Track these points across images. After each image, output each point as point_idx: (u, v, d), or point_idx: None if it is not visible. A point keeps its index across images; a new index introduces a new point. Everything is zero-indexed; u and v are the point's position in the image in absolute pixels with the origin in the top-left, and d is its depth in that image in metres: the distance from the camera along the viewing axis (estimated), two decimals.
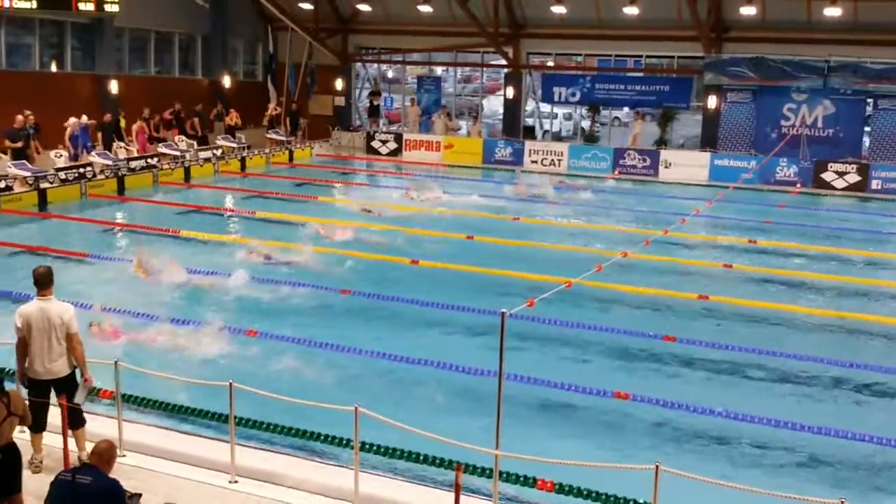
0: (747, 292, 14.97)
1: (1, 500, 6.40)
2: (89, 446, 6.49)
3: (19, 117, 21.76)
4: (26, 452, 6.95)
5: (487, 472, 7.43)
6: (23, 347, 7.67)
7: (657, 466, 6.39)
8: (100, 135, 24.77)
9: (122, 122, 26.08)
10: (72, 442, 7.60)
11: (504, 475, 7.36)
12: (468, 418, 9.31)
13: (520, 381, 9.93)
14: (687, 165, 28.38)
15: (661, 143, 30.25)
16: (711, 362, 11.50)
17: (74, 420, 7.70)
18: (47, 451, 7.73)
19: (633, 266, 15.70)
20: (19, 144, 21.61)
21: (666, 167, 28.69)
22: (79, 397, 7.71)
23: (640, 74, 31.46)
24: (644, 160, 29.00)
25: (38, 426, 7.64)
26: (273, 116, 31.27)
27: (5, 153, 21.93)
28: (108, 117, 25.04)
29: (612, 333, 12.10)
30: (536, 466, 7.42)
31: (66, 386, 7.74)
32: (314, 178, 25.79)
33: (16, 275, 14.17)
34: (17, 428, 6.76)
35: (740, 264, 16.66)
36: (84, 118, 23.77)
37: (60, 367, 7.74)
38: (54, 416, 7.73)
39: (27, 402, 7.19)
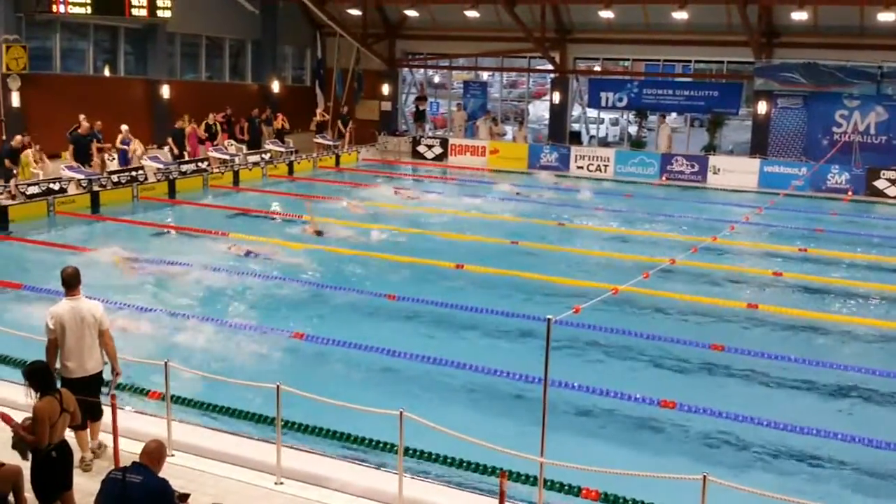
0: (797, 301, 14.73)
1: (53, 497, 6.51)
2: (128, 444, 6.60)
3: (85, 123, 22.20)
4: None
5: (532, 479, 7.41)
6: (54, 349, 7.76)
7: (704, 477, 6.31)
8: (170, 140, 25.10)
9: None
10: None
11: (548, 483, 7.32)
12: (513, 424, 9.29)
13: (565, 387, 9.87)
14: (736, 172, 27.98)
15: (710, 148, 29.89)
16: (760, 372, 11.32)
17: (95, 413, 7.89)
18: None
19: (680, 273, 15.53)
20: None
21: (715, 173, 28.33)
22: (108, 392, 7.92)
23: (689, 79, 31.10)
24: (692, 166, 28.67)
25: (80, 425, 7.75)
26: (320, 122, 31.47)
27: (58, 156, 22.44)
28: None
29: (659, 341, 11.97)
30: (581, 475, 7.36)
31: (95, 385, 7.91)
32: (359, 183, 25.93)
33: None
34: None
35: (790, 273, 16.35)
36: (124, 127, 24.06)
37: (95, 364, 7.91)
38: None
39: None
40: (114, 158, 23.43)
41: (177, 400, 8.79)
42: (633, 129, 32.36)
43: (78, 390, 7.69)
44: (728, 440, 9.29)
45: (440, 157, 31.86)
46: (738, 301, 14.19)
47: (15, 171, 20.12)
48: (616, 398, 9.92)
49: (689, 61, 31.30)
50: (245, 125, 28.74)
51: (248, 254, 16.37)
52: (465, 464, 7.92)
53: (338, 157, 30.39)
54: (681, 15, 27.54)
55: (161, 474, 5.78)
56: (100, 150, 23.05)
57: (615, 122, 35.52)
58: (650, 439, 9.35)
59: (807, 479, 8.57)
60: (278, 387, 7.72)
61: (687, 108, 30.98)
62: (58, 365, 7.84)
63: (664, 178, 28.59)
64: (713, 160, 28.67)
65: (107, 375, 8.13)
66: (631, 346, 11.99)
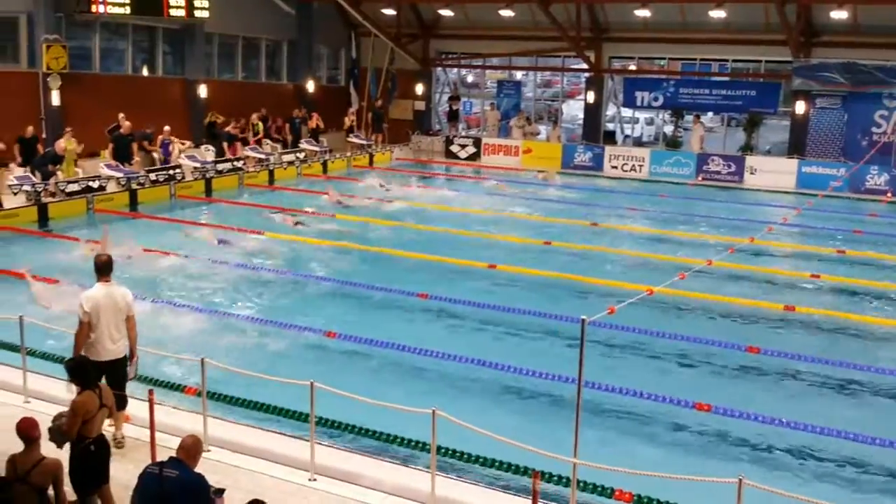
0: (835, 304, 14.55)
1: (91, 491, 6.60)
2: (165, 439, 6.67)
3: (127, 123, 22.48)
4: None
5: (564, 480, 7.38)
6: (86, 332, 8.00)
7: (740, 480, 6.25)
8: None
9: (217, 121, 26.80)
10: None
11: (581, 484, 7.29)
12: (545, 424, 9.27)
13: (599, 388, 9.83)
14: (773, 172, 27.66)
15: (747, 148, 29.58)
16: (796, 375, 11.20)
17: (120, 402, 8.05)
18: (131, 442, 7.98)
19: (717, 274, 15.40)
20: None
21: (751, 173, 28.02)
22: (129, 374, 8.25)
23: (726, 79, 30.81)
24: (729, 166, 28.38)
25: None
26: (352, 123, 31.53)
27: (97, 154, 22.76)
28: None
29: (695, 343, 11.87)
30: (615, 476, 7.32)
31: (119, 369, 8.16)
32: (391, 181, 26.01)
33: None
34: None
35: (828, 275, 16.15)
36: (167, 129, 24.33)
37: (122, 348, 8.23)
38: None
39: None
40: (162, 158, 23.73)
41: (212, 396, 8.87)
42: (668, 129, 32.12)
43: (105, 372, 7.96)
44: (764, 443, 9.20)
45: (473, 157, 31.84)
46: (775, 303, 14.03)
47: (58, 173, 20.41)
48: (650, 400, 9.85)
49: (726, 60, 31.01)
50: (286, 126, 29.00)
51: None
52: (497, 463, 7.91)
53: (371, 156, 30.51)
54: (718, 13, 27.30)
55: (197, 469, 5.84)
56: (148, 151, 23.35)
57: (650, 122, 35.28)
58: (685, 442, 9.28)
59: (844, 484, 8.47)
60: (312, 384, 7.77)
61: (724, 107, 30.69)
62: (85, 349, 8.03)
63: (700, 179, 28.34)
64: (750, 160, 28.37)
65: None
66: (666, 347, 11.90)
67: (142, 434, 7.97)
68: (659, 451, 8.99)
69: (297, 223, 19.18)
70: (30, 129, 21.41)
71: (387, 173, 27.96)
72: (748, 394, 10.58)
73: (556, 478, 7.56)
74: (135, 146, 22.68)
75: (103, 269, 8.20)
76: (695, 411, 9.63)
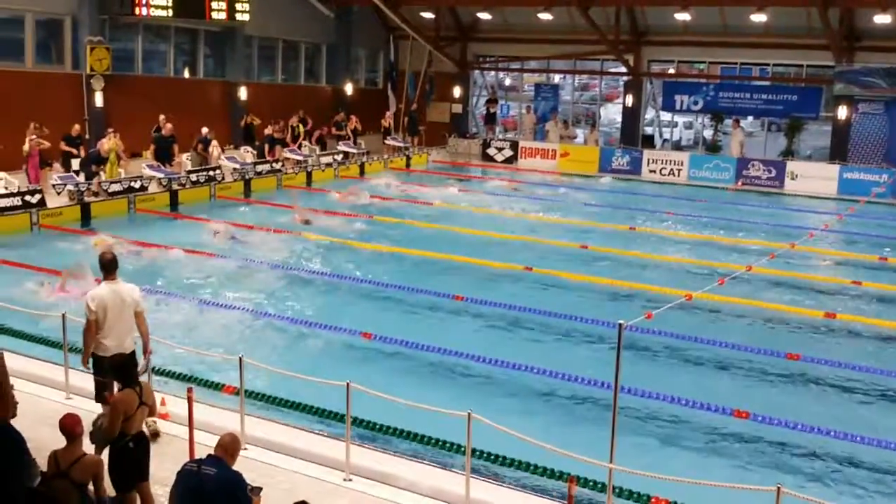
0: (876, 311, 14.29)
1: (130, 487, 6.68)
2: (203, 437, 6.73)
3: (169, 125, 22.78)
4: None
5: (600, 485, 7.34)
6: (94, 330, 8.08)
7: (778, 488, 6.18)
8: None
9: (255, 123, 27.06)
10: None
11: (617, 490, 7.25)
12: (582, 429, 9.23)
13: (635, 393, 9.76)
14: (815, 178, 27.30)
15: (788, 153, 29.22)
16: (837, 383, 11.03)
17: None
18: (170, 441, 8.08)
19: (757, 280, 15.23)
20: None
21: (792, 179, 27.68)
22: (140, 369, 8.28)
23: (767, 83, 30.49)
24: (769, 171, 28.07)
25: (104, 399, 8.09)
26: (389, 126, 31.61)
27: (139, 155, 23.08)
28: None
29: (734, 349, 11.74)
30: (651, 482, 7.26)
31: (131, 364, 8.23)
32: (429, 185, 26.10)
33: (150, 269, 14.89)
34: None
35: (869, 282, 15.89)
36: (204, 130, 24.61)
37: (130, 344, 8.27)
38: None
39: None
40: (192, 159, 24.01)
41: (250, 395, 8.95)
42: (708, 133, 31.82)
43: (114, 368, 8.09)
44: (803, 452, 9.07)
45: (510, 160, 31.81)
46: (816, 310, 13.85)
47: (101, 173, 20.73)
48: (688, 406, 9.76)
49: (767, 64, 30.71)
50: (331, 128, 29.45)
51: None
52: (533, 467, 7.88)
53: (408, 158, 30.60)
54: (759, 17, 27.02)
55: (234, 467, 5.88)
56: (204, 156, 23.65)
57: (689, 126, 35.00)
58: (722, 449, 9.18)
59: (884, 495, 8.32)
60: (348, 385, 7.81)
61: (764, 112, 30.38)
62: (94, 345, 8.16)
63: (740, 184, 28.05)
64: (791, 165, 28.04)
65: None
66: (704, 353, 11.79)
67: (180, 431, 8.05)
68: (696, 458, 8.90)
69: (305, 221, 19.48)
70: (76, 128, 21.77)
71: (423, 176, 28.05)
72: (787, 401, 10.44)
73: (591, 483, 7.52)
74: (176, 147, 22.95)
75: (109, 267, 8.22)
76: (733, 418, 9.53)
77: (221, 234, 17.70)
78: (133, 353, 8.33)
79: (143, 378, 7.77)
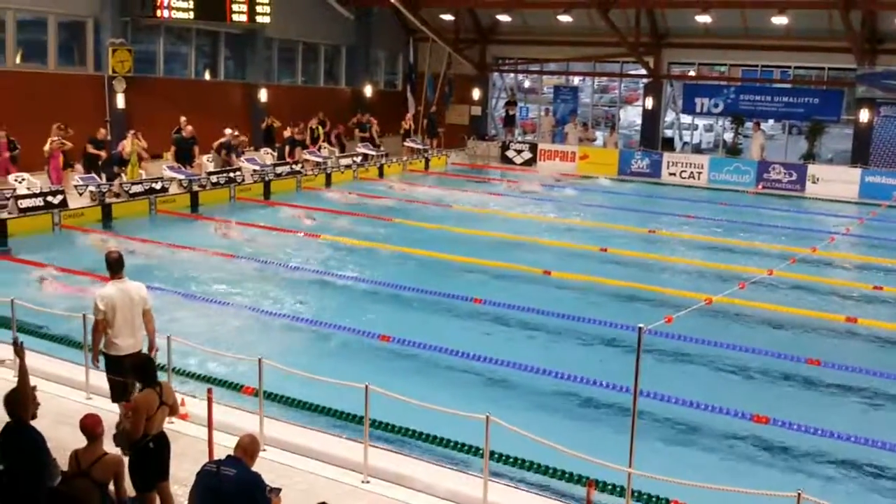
0: None
1: (150, 487, 6.72)
2: (222, 437, 6.76)
3: (189, 128, 22.89)
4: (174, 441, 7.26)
5: (619, 489, 7.31)
6: (102, 328, 8.18)
7: (799, 494, 6.13)
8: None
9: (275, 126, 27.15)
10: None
11: (636, 494, 7.22)
12: (601, 433, 9.19)
13: (654, 398, 9.72)
14: (836, 181, 27.07)
15: (809, 157, 29.01)
16: (857, 388, 10.94)
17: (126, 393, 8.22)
18: (190, 441, 8.13)
19: (778, 284, 15.13)
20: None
21: (813, 182, 27.47)
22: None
23: (788, 86, 30.30)
24: (790, 174, 27.87)
25: (120, 397, 8.22)
26: (408, 128, 31.63)
27: (160, 156, 23.21)
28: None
29: (754, 354, 11.67)
30: (670, 487, 7.23)
31: (147, 364, 8.09)
32: (447, 187, 26.13)
33: (171, 270, 14.99)
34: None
35: (891, 287, 15.75)
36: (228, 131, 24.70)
37: (140, 341, 8.36)
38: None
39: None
40: (212, 161, 24.09)
41: (269, 396, 8.98)
42: (728, 136, 31.66)
43: (124, 367, 8.11)
44: (824, 457, 9.01)
45: (529, 163, 31.77)
46: (837, 314, 13.74)
47: (122, 174, 20.87)
48: (707, 411, 9.71)
49: (789, 67, 30.51)
50: (355, 130, 29.65)
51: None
52: (551, 471, 7.86)
53: (427, 160, 30.62)
54: (780, 20, 26.86)
55: (253, 468, 5.90)
56: (229, 161, 23.80)
57: (709, 129, 34.83)
58: (742, 454, 9.12)
59: None
60: (367, 387, 7.82)
61: (785, 114, 30.19)
62: (103, 344, 8.27)
63: (760, 187, 27.88)
64: (812, 169, 27.83)
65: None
66: (724, 357, 11.72)
67: (200, 432, 8.09)
68: (716, 463, 8.85)
69: (309, 218, 19.93)
70: (102, 132, 21.88)
71: (442, 178, 28.07)
72: (807, 406, 10.37)
73: (610, 487, 7.49)
74: (196, 149, 23.07)
75: (115, 266, 8.31)
76: (752, 423, 9.48)
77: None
78: (140, 352, 8.33)
79: (163, 378, 7.80)
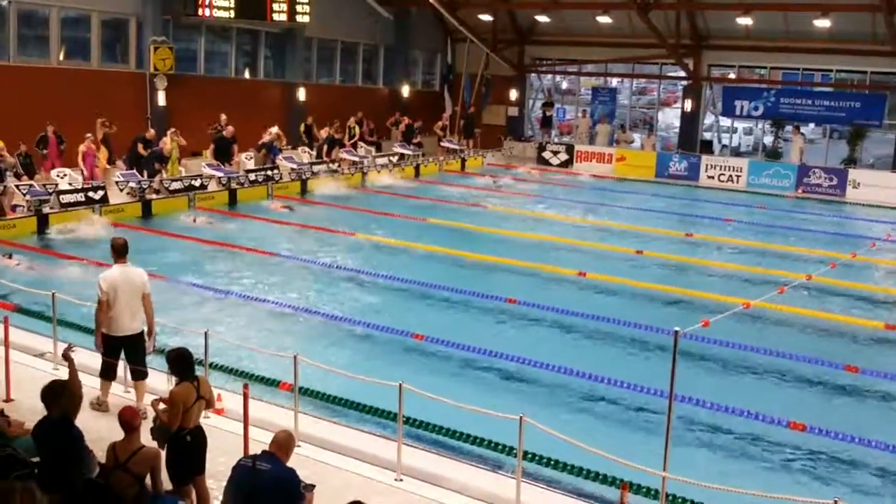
0: None
1: (187, 480, 6.80)
2: (257, 433, 6.82)
3: (230, 127, 23.09)
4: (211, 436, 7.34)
5: (653, 492, 7.27)
6: (105, 310, 8.56)
7: (835, 502, 6.05)
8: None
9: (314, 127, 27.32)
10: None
11: (671, 497, 7.17)
12: (635, 436, 9.15)
13: (690, 402, 9.65)
14: (877, 186, 26.68)
15: (850, 161, 28.60)
16: None
17: (140, 373, 8.80)
18: (225, 436, 8.21)
19: (817, 290, 14.95)
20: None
21: (854, 187, 27.09)
22: (147, 348, 8.88)
23: (830, 89, 29.89)
24: (830, 179, 27.50)
25: (109, 376, 8.86)
26: (444, 127, 31.62)
27: (199, 154, 23.46)
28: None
29: (791, 360, 11.53)
30: (704, 492, 7.16)
31: (138, 344, 8.78)
32: (481, 187, 26.12)
33: (205, 267, 15.14)
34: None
35: None
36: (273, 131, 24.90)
37: (139, 324, 8.79)
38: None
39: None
40: (251, 158, 24.31)
41: (304, 392, 9.05)
42: (768, 140, 31.31)
43: (124, 347, 8.69)
44: (860, 465, 8.88)
45: (565, 164, 31.65)
46: (877, 321, 13.53)
47: (163, 171, 21.12)
48: (743, 416, 9.61)
49: (830, 70, 30.10)
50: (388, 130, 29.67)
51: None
52: (585, 472, 7.84)
53: (463, 161, 30.64)
54: (823, 23, 26.47)
55: (288, 464, 5.95)
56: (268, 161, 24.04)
57: (748, 132, 34.46)
58: (777, 460, 9.02)
59: None
60: (401, 385, 7.84)
61: (826, 118, 29.79)
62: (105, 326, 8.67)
63: (800, 191, 27.55)
64: (853, 174, 27.44)
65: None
66: (761, 363, 11.60)
67: (235, 427, 8.16)
68: (750, 469, 8.76)
69: (285, 207, 20.36)
70: (151, 132, 22.06)
71: (478, 178, 28.06)
72: (845, 414, 10.24)
73: (644, 489, 7.45)
74: (235, 147, 23.29)
75: (120, 250, 8.74)
76: (789, 430, 9.37)
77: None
78: (141, 333, 8.83)
79: (199, 373, 7.88)
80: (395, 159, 28.22)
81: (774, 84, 30.69)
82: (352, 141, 27.74)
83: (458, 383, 10.41)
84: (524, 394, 10.37)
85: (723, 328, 10.44)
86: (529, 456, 7.84)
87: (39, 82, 21.55)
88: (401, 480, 7.79)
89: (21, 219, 17.63)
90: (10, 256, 15.00)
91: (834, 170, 27.88)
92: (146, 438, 6.62)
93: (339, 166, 25.98)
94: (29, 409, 7.51)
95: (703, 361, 11.52)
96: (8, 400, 8.83)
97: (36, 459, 6.27)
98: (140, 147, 21.22)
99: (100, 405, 8.82)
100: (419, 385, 8.14)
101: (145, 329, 8.89)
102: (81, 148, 20.30)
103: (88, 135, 20.34)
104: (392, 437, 8.15)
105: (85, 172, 20.26)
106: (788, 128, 29.87)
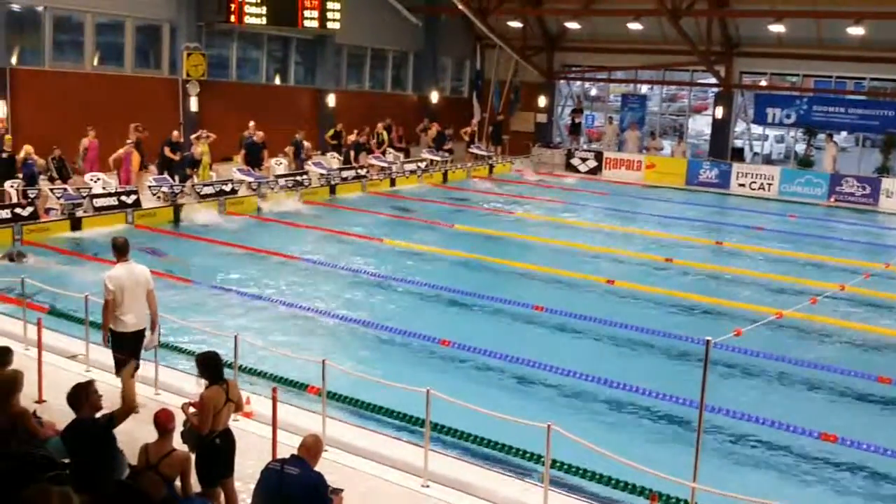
0: None
1: (215, 483, 6.82)
2: (285, 437, 6.82)
3: (260, 133, 23.21)
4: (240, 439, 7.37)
5: (682, 503, 7.20)
6: (112, 307, 8.73)
7: None
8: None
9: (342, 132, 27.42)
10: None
11: None
12: (665, 446, 9.06)
13: (720, 412, 9.55)
14: None
15: (884, 170, 28.22)
16: None
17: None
18: (254, 439, 8.24)
19: (850, 300, 14.76)
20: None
21: (888, 196, 26.71)
22: (148, 342, 8.99)
23: (863, 97, 29.53)
24: (863, 188, 27.16)
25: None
26: (472, 133, 31.59)
27: (230, 159, 23.62)
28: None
29: (823, 370, 11.39)
30: (734, 503, 7.09)
31: (141, 338, 8.93)
32: (511, 193, 26.08)
33: (231, 270, 15.24)
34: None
35: None
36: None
37: (143, 320, 8.94)
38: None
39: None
40: (281, 163, 24.42)
41: (332, 397, 9.06)
42: (800, 147, 30.99)
43: (129, 341, 8.79)
44: (892, 479, 8.74)
45: (594, 171, 31.51)
46: None
47: (194, 176, 21.30)
48: (774, 427, 9.50)
49: (863, 78, 29.72)
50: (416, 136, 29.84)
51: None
52: (613, 482, 7.78)
53: (491, 167, 30.60)
54: (856, 30, 26.18)
55: (316, 468, 5.96)
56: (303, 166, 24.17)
57: (780, 140, 34.13)
58: (808, 472, 8.90)
59: None
60: (428, 391, 7.83)
61: (860, 127, 29.41)
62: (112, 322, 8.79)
63: (832, 200, 27.22)
64: (886, 183, 27.07)
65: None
66: (793, 373, 11.46)
67: (264, 431, 8.19)
68: (780, 481, 8.66)
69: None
70: (175, 133, 22.10)
71: (505, 185, 28.04)
72: (877, 426, 10.09)
73: (674, 500, 7.38)
74: (265, 153, 23.43)
75: (122, 249, 8.88)
76: (820, 441, 9.25)
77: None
78: (144, 329, 8.96)
79: (229, 376, 7.91)
80: (423, 165, 28.24)
81: (807, 92, 30.37)
82: (381, 148, 27.81)
83: (482, 389, 10.39)
84: (551, 401, 10.31)
85: (755, 338, 10.33)
86: (557, 464, 7.79)
87: (73, 87, 21.85)
88: (427, 486, 7.77)
89: (54, 221, 17.88)
90: (23, 256, 15.56)
91: (867, 179, 27.54)
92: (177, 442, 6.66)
93: (368, 172, 26.05)
94: (59, 411, 7.58)
95: (735, 371, 11.40)
96: (40, 401, 8.93)
97: (66, 460, 6.33)
98: (167, 150, 21.40)
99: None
100: (444, 390, 8.10)
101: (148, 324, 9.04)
102: (120, 153, 20.50)
103: (129, 140, 20.53)
104: (419, 443, 8.13)
105: (121, 177, 20.47)
106: (821, 136, 29.53)
